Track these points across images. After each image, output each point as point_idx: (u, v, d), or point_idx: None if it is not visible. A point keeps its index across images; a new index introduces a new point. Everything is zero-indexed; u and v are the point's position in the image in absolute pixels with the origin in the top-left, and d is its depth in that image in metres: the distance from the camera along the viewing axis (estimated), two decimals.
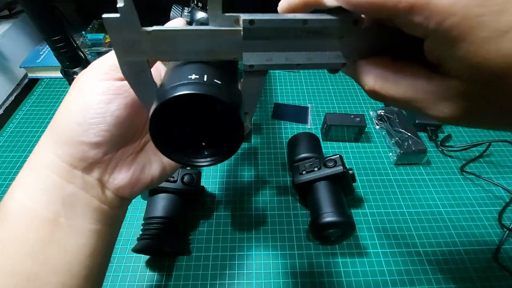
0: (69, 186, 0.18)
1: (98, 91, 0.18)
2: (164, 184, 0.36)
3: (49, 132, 0.19)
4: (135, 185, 0.21)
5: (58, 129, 0.18)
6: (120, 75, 0.17)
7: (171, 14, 0.28)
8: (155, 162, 0.22)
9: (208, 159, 0.18)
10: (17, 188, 0.18)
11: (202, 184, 0.41)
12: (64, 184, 0.18)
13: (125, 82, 0.17)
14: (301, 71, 0.63)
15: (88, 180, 0.19)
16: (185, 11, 0.28)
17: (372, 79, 0.15)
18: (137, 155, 0.21)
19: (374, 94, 0.15)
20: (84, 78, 0.19)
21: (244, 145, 0.48)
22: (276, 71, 0.63)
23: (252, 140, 0.49)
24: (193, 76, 0.15)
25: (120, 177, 0.20)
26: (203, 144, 0.18)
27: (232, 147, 0.17)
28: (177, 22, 0.21)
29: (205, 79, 0.15)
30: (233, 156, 0.48)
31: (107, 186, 0.20)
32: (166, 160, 0.22)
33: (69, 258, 0.18)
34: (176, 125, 0.16)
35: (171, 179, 0.36)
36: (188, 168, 0.39)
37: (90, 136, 0.18)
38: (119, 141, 0.19)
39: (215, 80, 0.15)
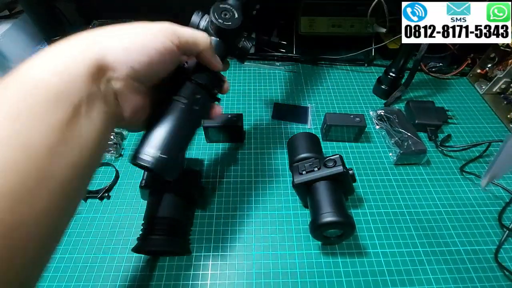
0: (95, 85, 0.20)
1: (162, 41, 0.23)
2: (164, 184, 0.36)
3: (90, 39, 0.21)
4: (134, 115, 0.24)
5: (104, 40, 0.21)
6: (174, 40, 0.24)
7: (192, 18, 0.31)
8: (146, 109, 0.26)
9: None
10: (47, 63, 0.19)
11: (202, 184, 0.41)
12: (92, 81, 0.20)
13: (173, 49, 0.24)
14: (300, 70, 0.63)
15: (110, 87, 0.21)
16: (204, 18, 0.31)
17: None
18: (145, 97, 0.25)
19: None
20: (151, 27, 0.23)
21: (244, 145, 0.48)
22: (276, 70, 0.63)
23: (253, 140, 0.49)
24: None
25: (134, 100, 0.24)
26: None
27: None
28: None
29: None
30: (233, 156, 0.48)
31: (121, 102, 0.23)
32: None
33: (84, 142, 0.19)
34: None
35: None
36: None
37: (130, 63, 0.22)
38: (144, 78, 0.24)
39: None
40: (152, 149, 0.24)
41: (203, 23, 0.30)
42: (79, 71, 0.19)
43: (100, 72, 0.20)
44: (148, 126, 0.26)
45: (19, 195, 0.16)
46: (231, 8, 0.30)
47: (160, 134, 0.25)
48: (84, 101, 0.19)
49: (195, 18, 0.30)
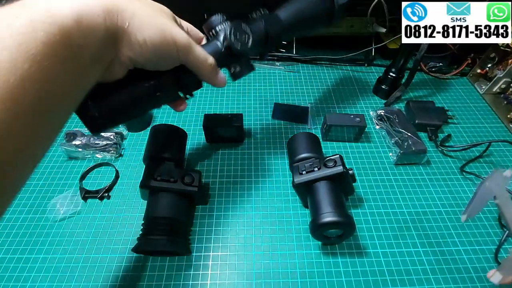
0: (106, 47, 0.21)
1: (174, 55, 0.25)
2: (164, 184, 0.36)
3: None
4: (114, 75, 0.24)
5: (130, 9, 0.21)
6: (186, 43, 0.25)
7: (213, 17, 0.30)
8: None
9: None
10: (70, 7, 0.18)
11: (202, 184, 0.41)
12: (106, 43, 0.20)
13: (177, 61, 0.26)
14: (300, 70, 0.63)
15: (112, 54, 0.22)
16: (223, 23, 0.30)
17: None
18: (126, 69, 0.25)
19: None
20: (173, 33, 0.24)
21: (244, 145, 0.48)
22: (276, 70, 0.63)
23: (253, 140, 0.49)
24: None
25: (120, 73, 0.24)
26: None
27: None
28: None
29: None
30: (233, 156, 0.48)
31: (109, 70, 0.23)
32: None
33: (81, 92, 0.21)
34: None
35: (171, 179, 0.36)
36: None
37: (138, 50, 0.22)
38: (140, 66, 0.24)
39: None
40: (90, 102, 0.24)
41: (219, 27, 0.30)
42: (100, 30, 0.19)
43: (114, 37, 0.21)
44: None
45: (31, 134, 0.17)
46: (251, 35, 0.30)
47: (104, 92, 0.25)
48: (94, 59, 0.20)
49: (215, 19, 0.30)
